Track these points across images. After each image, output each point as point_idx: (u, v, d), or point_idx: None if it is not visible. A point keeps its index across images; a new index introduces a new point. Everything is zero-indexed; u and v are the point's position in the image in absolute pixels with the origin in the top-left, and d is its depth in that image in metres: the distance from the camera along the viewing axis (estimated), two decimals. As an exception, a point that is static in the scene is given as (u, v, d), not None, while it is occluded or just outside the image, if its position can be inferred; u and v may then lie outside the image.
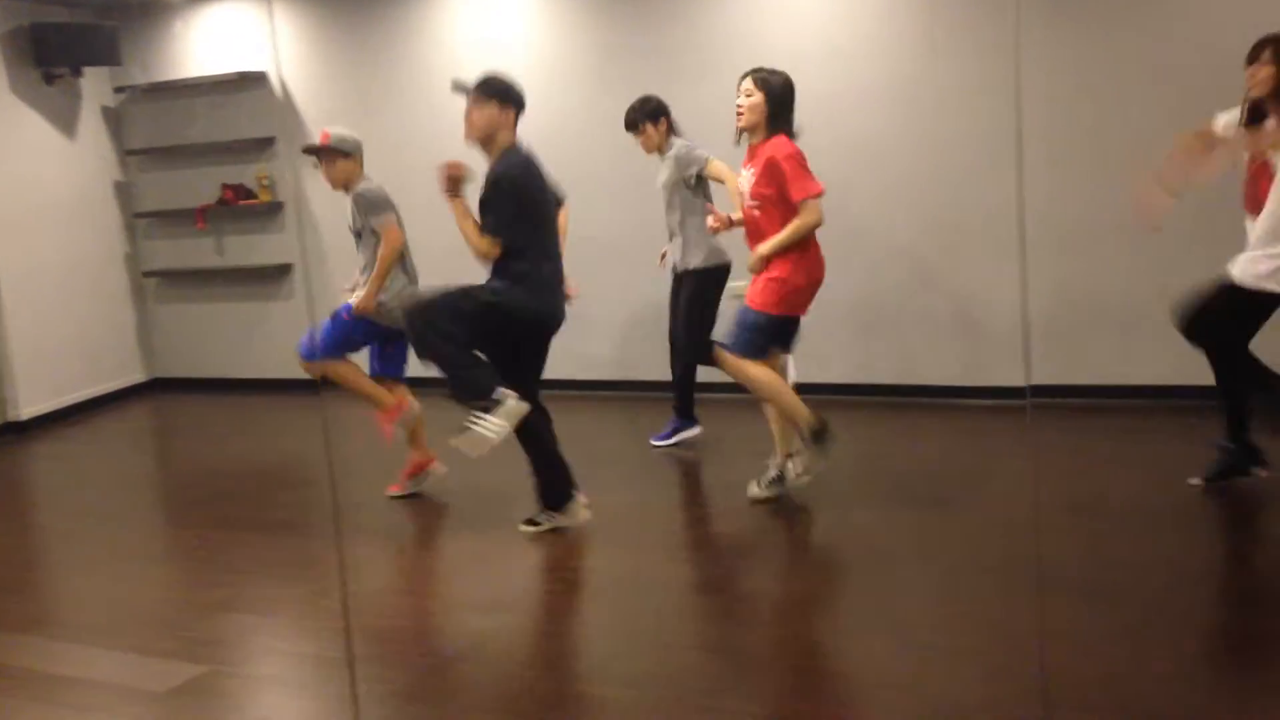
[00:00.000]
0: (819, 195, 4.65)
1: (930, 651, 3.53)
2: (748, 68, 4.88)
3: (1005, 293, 6.44)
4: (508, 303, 4.56)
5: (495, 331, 4.57)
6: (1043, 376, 6.42)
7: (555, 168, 7.25)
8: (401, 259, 5.38)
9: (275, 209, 8.40)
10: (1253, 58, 4.57)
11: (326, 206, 8.26)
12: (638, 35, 7.11)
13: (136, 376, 8.86)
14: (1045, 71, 6.16)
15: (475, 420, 4.42)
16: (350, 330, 5.43)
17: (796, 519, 4.83)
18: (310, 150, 5.46)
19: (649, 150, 5.90)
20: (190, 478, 6.50)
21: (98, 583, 4.67)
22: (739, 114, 4.77)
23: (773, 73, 4.77)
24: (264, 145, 8.33)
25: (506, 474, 5.46)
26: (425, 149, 7.44)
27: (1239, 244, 4.61)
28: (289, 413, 7.65)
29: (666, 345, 6.16)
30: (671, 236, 5.91)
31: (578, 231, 7.48)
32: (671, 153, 5.77)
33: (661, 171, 5.85)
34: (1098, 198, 6.20)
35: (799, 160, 4.66)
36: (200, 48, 8.33)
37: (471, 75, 7.95)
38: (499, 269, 4.62)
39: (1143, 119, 6.10)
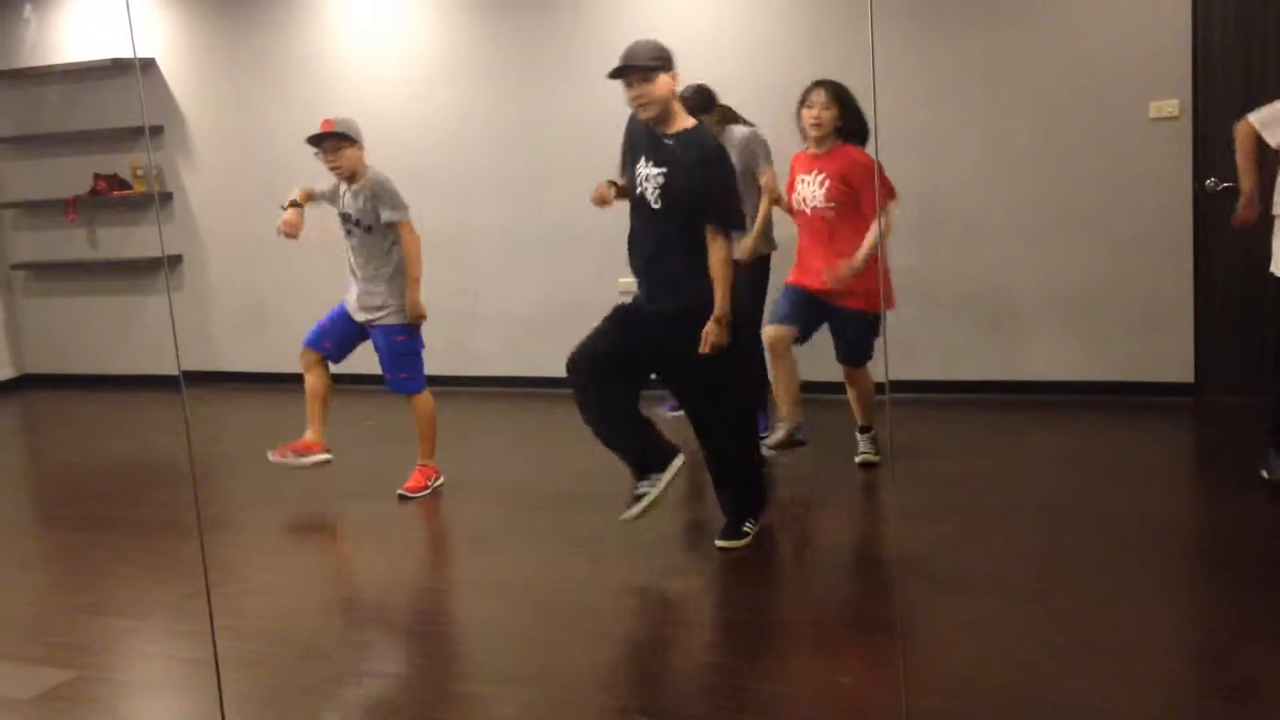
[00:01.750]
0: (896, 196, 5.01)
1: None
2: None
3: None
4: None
5: None
6: (901, 372, 6.46)
7: (437, 162, 7.28)
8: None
9: (151, 200, 8.19)
10: None
11: (205, 199, 8.11)
12: (520, 29, 7.10)
13: (5, 372, 8.59)
14: (901, 71, 6.31)
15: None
16: (416, 345, 5.22)
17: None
18: (314, 140, 5.03)
19: None
20: (61, 477, 6.32)
21: (-40, 587, 4.52)
22: (816, 124, 4.92)
23: (842, 85, 4.95)
24: (139, 134, 8.11)
25: (394, 474, 5.44)
26: (304, 138, 7.35)
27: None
28: (164, 409, 7.46)
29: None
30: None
31: (468, 226, 7.50)
32: (739, 139, 5.38)
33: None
34: (946, 194, 6.37)
35: (876, 169, 4.89)
36: (71, 33, 8.09)
37: (352, 62, 7.87)
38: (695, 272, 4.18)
39: (998, 118, 6.29)
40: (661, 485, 4.19)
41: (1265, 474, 4.69)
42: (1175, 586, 3.89)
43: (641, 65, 4.10)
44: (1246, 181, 4.62)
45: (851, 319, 5.02)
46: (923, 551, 4.23)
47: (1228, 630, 3.51)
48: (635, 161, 4.30)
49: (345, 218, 5.16)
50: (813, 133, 4.97)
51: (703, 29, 6.73)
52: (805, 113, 4.98)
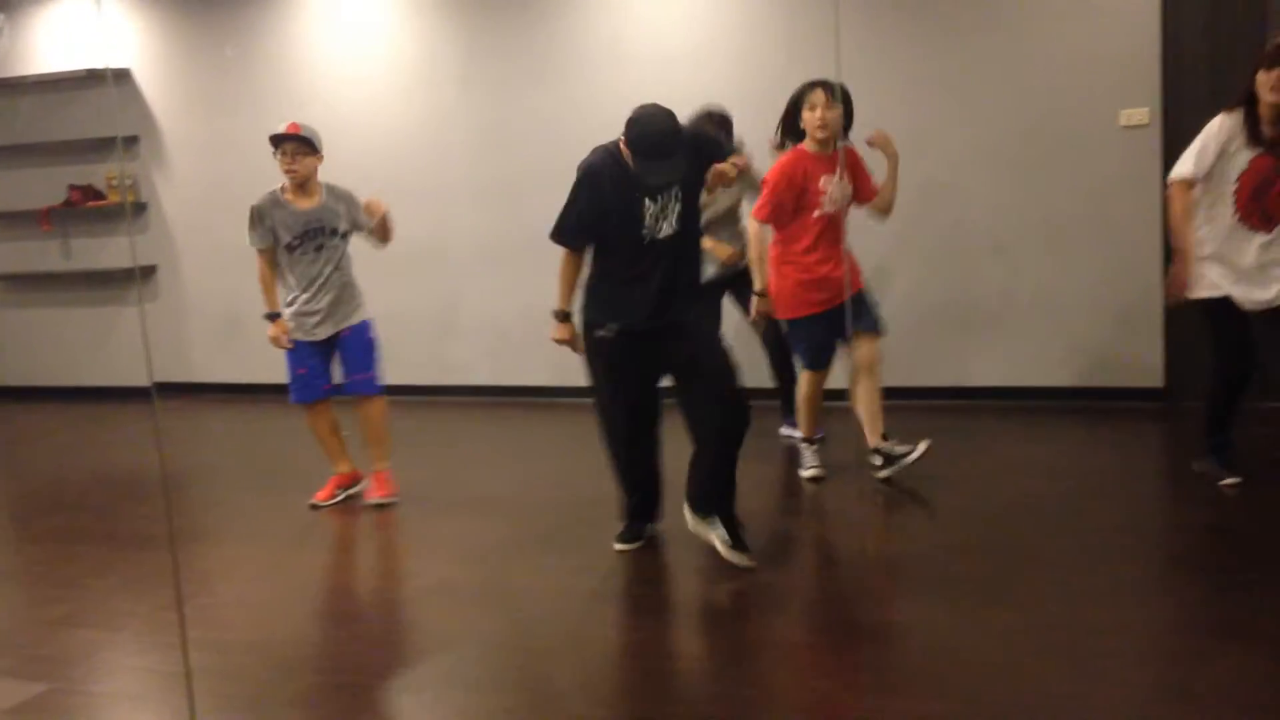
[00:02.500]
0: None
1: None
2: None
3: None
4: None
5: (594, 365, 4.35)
6: (894, 379, 6.51)
7: (417, 168, 7.28)
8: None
9: (126, 211, 8.17)
10: (1275, 60, 4.24)
11: (180, 209, 8.09)
12: (500, 35, 7.12)
13: (-23, 384, 8.54)
14: (870, 79, 6.36)
15: None
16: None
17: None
18: (276, 140, 5.01)
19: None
20: (34, 490, 6.28)
21: (-69, 601, 4.49)
22: (822, 126, 4.73)
23: (841, 83, 4.75)
24: (114, 145, 8.08)
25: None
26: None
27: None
28: (139, 421, 7.44)
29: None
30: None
31: (445, 234, 7.50)
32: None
33: (723, 196, 5.42)
34: (914, 202, 6.42)
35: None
36: (46, 44, 8.07)
37: (328, 70, 7.84)
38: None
39: (968, 126, 6.34)
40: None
41: (1196, 469, 4.79)
42: (1149, 589, 3.92)
43: (680, 161, 3.89)
44: (1184, 238, 4.44)
45: (862, 295, 5.06)
46: (896, 557, 4.26)
47: (1202, 632, 3.54)
48: (626, 206, 4.04)
49: (314, 233, 5.08)
50: (819, 135, 4.75)
51: (681, 35, 6.76)
52: (808, 115, 4.74)
